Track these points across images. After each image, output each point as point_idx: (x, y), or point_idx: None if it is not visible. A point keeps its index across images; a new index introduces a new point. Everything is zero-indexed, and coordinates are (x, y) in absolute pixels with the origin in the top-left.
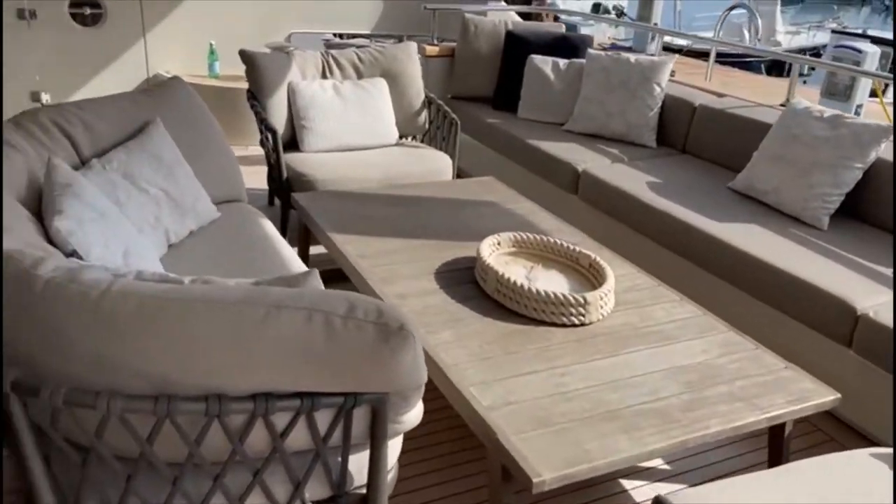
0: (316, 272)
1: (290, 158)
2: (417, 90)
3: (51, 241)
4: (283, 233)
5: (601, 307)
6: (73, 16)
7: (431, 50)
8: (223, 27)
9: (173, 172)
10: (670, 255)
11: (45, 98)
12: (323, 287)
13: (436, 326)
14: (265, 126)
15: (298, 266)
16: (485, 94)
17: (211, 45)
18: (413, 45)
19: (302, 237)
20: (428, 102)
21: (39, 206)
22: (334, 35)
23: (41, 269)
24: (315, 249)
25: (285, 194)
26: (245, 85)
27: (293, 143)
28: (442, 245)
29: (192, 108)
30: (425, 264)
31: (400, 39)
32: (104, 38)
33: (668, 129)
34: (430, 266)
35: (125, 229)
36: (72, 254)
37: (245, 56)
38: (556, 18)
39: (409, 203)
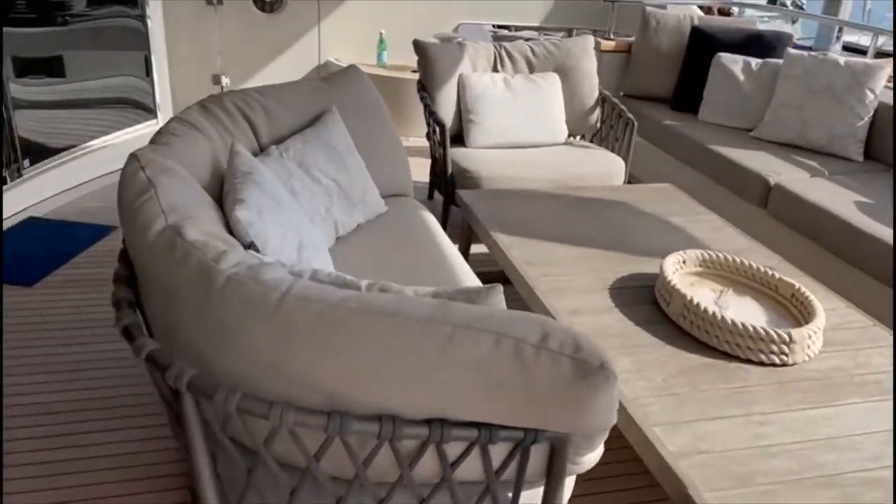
0: (499, 288)
1: (454, 153)
2: (591, 87)
3: (229, 230)
4: (444, 229)
5: (808, 346)
6: (255, 2)
7: (607, 45)
8: (394, 17)
9: (345, 163)
10: (884, 289)
11: (225, 81)
12: (505, 303)
13: (612, 351)
14: (434, 119)
15: (466, 271)
16: (662, 93)
17: (381, 34)
18: (590, 39)
19: (464, 236)
20: (601, 100)
21: (220, 192)
22: (501, 27)
23: (223, 263)
24: (476, 248)
25: (448, 190)
26: (411, 76)
27: (458, 138)
28: (616, 257)
29: (366, 97)
30: (598, 277)
31: (569, 33)
32: (282, 24)
33: (878, 141)
34: (603, 280)
35: (300, 221)
36: (250, 245)
37: (418, 46)
38: (728, 13)
39: (579, 207)
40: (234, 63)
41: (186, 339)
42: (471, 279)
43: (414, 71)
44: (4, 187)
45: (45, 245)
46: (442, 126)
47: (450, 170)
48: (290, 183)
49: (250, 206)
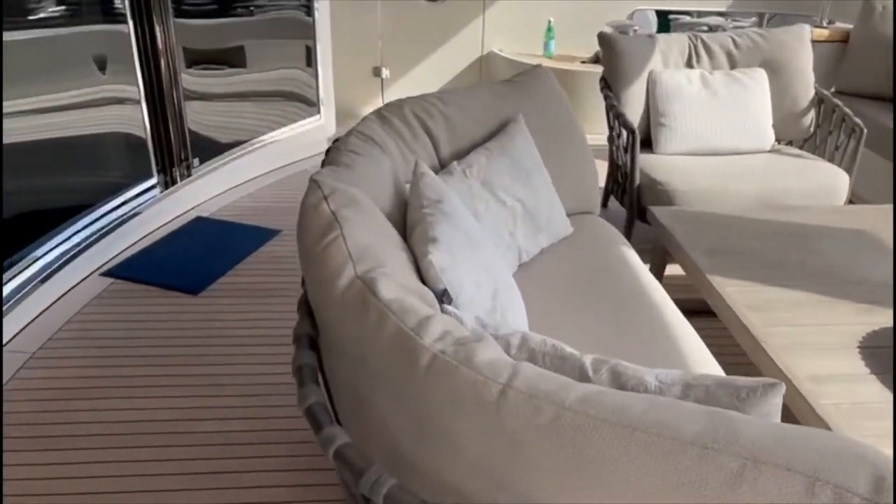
0: (781, 388)
1: (641, 160)
2: (806, 85)
3: (417, 267)
4: None
5: None
6: None
7: (819, 34)
8: (562, 4)
9: (532, 180)
10: None
11: (385, 73)
12: (780, 406)
13: (880, 437)
14: (621, 122)
15: (672, 311)
16: (884, 91)
17: (549, 22)
18: (806, 30)
19: (658, 260)
20: (818, 101)
21: (402, 217)
22: (681, 13)
23: (426, 336)
24: (668, 269)
25: (634, 203)
26: (581, 68)
27: (644, 142)
28: (861, 305)
29: (554, 103)
30: (842, 331)
31: (760, 19)
32: (445, 13)
33: None
34: (849, 335)
35: (491, 257)
36: (443, 293)
37: (604, 39)
38: None
39: (801, 234)
40: (394, 54)
41: (379, 420)
42: (684, 330)
43: (583, 62)
44: (176, 186)
45: (210, 249)
46: (632, 131)
47: (637, 180)
48: (474, 205)
49: (443, 247)
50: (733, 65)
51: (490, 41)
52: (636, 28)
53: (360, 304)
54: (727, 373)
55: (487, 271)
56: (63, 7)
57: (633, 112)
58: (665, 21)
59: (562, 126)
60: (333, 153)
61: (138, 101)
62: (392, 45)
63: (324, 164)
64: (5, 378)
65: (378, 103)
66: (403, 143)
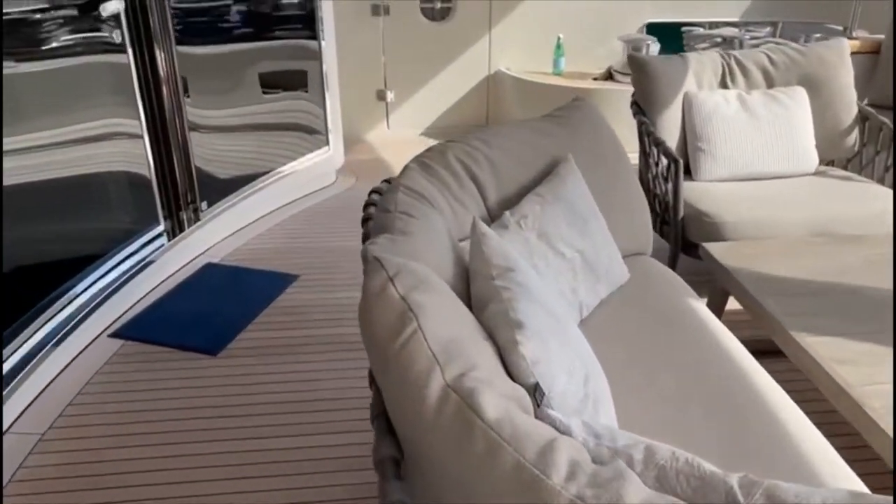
0: None
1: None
2: (849, 102)
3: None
4: None
5: None
6: (424, 10)
7: (850, 45)
8: (571, 20)
9: (588, 227)
10: None
11: (390, 97)
12: None
13: None
14: (661, 150)
15: (742, 357)
16: None
17: (558, 39)
18: (845, 44)
19: (716, 300)
20: (862, 118)
21: (463, 284)
22: (692, 25)
23: (554, 474)
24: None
25: (679, 236)
26: (593, 85)
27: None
28: None
29: (601, 136)
30: None
31: (774, 28)
32: (449, 32)
33: None
34: None
35: (576, 336)
36: (534, 389)
37: (635, 61)
38: None
39: (870, 268)
40: (399, 76)
41: None
42: (793, 415)
43: (595, 79)
44: (184, 234)
45: (224, 300)
46: (674, 161)
47: (681, 212)
48: (534, 261)
49: (531, 333)
50: (770, 83)
51: (497, 59)
52: (649, 42)
53: (462, 427)
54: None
55: (576, 353)
56: (58, 35)
57: (669, 136)
58: (677, 33)
59: (610, 160)
60: (383, 217)
61: (140, 136)
62: (396, 67)
63: (366, 225)
64: (13, 467)
65: (383, 128)
66: (451, 195)
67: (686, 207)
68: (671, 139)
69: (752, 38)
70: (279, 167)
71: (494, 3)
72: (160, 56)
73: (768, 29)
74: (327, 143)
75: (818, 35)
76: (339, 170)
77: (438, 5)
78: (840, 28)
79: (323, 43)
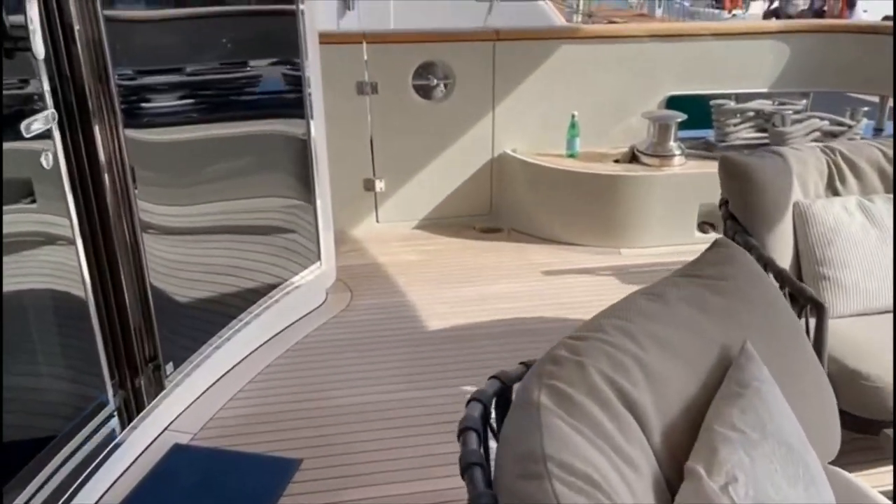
0: None
1: None
2: None
3: None
4: None
5: None
6: (416, 89)
7: None
8: (586, 94)
9: (809, 470)
10: None
11: (380, 186)
12: None
13: None
14: (788, 287)
15: None
16: None
17: (573, 117)
18: None
19: None
20: None
21: None
22: (719, 97)
23: None
24: None
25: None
26: (616, 170)
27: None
28: None
29: (766, 297)
30: None
31: (807, 98)
32: (447, 112)
33: None
34: None
35: None
36: None
37: (731, 165)
38: None
39: None
40: (389, 163)
41: None
42: None
43: (617, 161)
44: (143, 413)
45: None
46: (815, 304)
47: (825, 367)
48: None
49: None
50: (888, 186)
51: (501, 140)
52: (679, 119)
53: None
54: None
55: None
56: None
57: (779, 256)
58: (702, 107)
59: (784, 333)
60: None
61: (72, 241)
62: (386, 153)
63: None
64: None
65: (371, 221)
66: (611, 447)
67: (831, 364)
68: (782, 259)
69: (793, 111)
70: (261, 293)
71: (498, 77)
72: (102, 137)
73: (804, 101)
74: (318, 255)
75: (866, 108)
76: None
77: (434, 82)
78: (877, 98)
79: (313, 131)
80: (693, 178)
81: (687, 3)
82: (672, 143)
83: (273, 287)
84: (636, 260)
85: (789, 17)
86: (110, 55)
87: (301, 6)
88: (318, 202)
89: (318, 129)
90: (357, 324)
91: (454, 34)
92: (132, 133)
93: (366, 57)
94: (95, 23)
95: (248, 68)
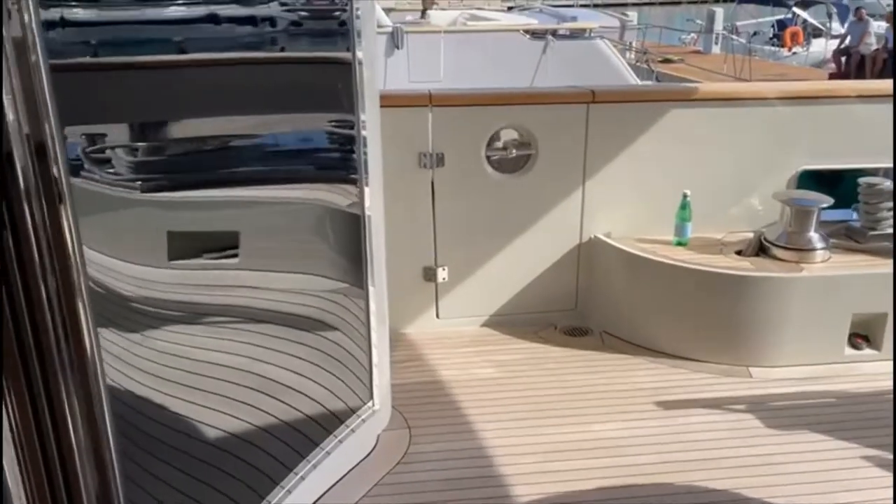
0: None
1: None
2: None
3: None
4: None
5: None
6: (491, 159)
7: None
8: (698, 169)
9: None
10: None
11: (443, 276)
12: None
13: None
14: None
15: None
16: None
17: (685, 197)
18: None
19: None
20: None
21: None
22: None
23: None
24: None
25: None
26: (739, 267)
27: None
28: None
29: None
30: None
31: None
32: (526, 188)
33: None
34: None
35: None
36: None
37: None
38: None
39: None
40: (454, 248)
41: None
42: None
43: (739, 252)
44: None
45: None
46: None
47: None
48: None
49: None
50: None
51: (592, 222)
52: (825, 205)
53: None
54: None
55: None
56: None
57: None
58: (845, 183)
59: None
60: None
61: None
62: (450, 236)
63: None
64: None
65: (430, 317)
66: None
67: None
68: None
69: None
70: (293, 455)
71: (591, 147)
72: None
73: None
74: (370, 391)
75: None
76: None
77: (514, 153)
78: None
79: (367, 196)
80: (844, 280)
81: (743, 40)
82: (813, 234)
83: (309, 445)
84: (774, 386)
85: (862, 57)
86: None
87: (359, 54)
88: (373, 305)
89: (374, 200)
90: (419, 489)
91: (539, 95)
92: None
93: (431, 122)
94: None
95: (289, 125)
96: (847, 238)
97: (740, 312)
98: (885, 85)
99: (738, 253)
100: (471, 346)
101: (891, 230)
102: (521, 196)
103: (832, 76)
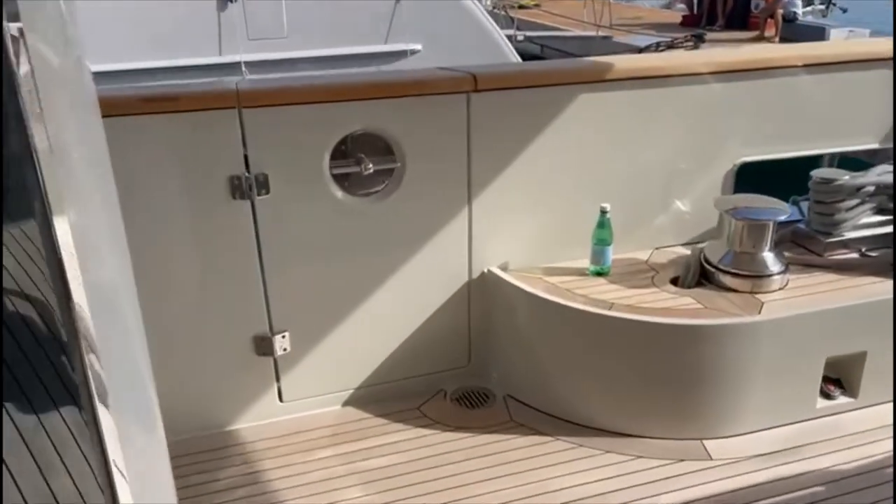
0: None
1: None
2: None
3: None
4: None
5: None
6: (339, 178)
7: None
8: (613, 174)
9: None
10: None
11: (282, 346)
12: None
13: None
14: None
15: None
16: None
17: (602, 211)
18: None
19: None
20: None
21: None
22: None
23: None
24: None
25: None
26: (680, 309)
27: None
28: None
29: None
30: None
31: None
32: (391, 212)
33: None
34: None
35: None
36: None
37: None
38: None
39: None
40: (296, 304)
41: None
42: None
43: (675, 281)
44: None
45: None
46: None
47: None
48: None
49: None
50: None
51: (484, 253)
52: (782, 218)
53: None
54: None
55: None
56: None
57: None
58: (790, 176)
59: None
60: None
61: None
62: (289, 289)
63: None
64: None
65: (271, 405)
66: None
67: None
68: None
69: None
70: None
71: (476, 151)
72: None
73: None
74: None
75: None
76: None
77: (370, 168)
78: None
79: (58, 236)
80: (813, 318)
81: None
82: (768, 254)
83: None
84: (739, 467)
85: None
86: None
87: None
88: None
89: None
90: None
91: (400, 84)
92: None
93: (244, 131)
94: None
95: None
96: (798, 247)
97: (688, 371)
98: (833, 48)
99: (675, 282)
100: (329, 447)
101: (851, 233)
102: (384, 224)
103: (686, 19)
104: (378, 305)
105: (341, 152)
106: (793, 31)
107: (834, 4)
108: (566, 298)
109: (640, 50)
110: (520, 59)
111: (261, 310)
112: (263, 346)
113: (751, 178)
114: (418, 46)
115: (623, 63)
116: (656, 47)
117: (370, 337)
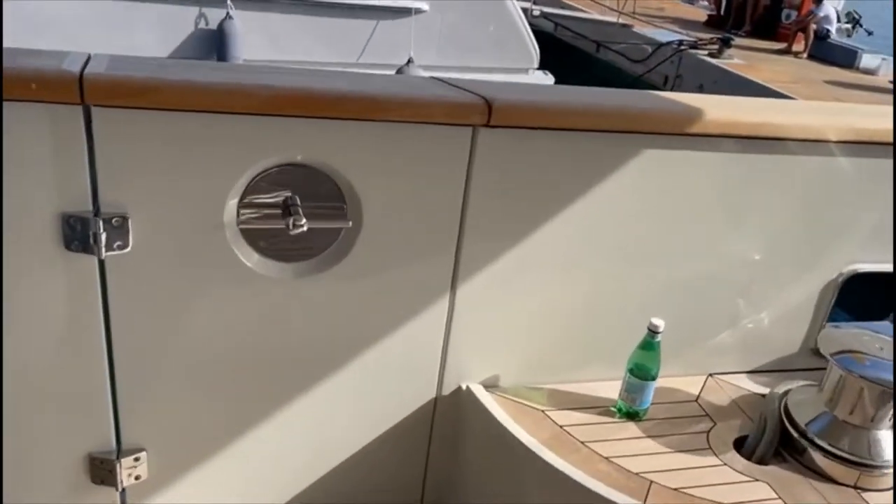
0: None
1: None
2: None
3: None
4: None
5: None
6: (251, 233)
7: None
8: (661, 266)
9: None
10: None
11: (133, 472)
12: None
13: None
14: None
15: None
16: None
17: (654, 331)
18: None
19: None
20: None
21: None
22: None
23: None
24: None
25: None
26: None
27: None
28: None
29: None
30: None
31: None
32: (333, 292)
33: None
34: None
35: None
36: None
37: None
38: None
39: None
40: (165, 419)
41: None
42: None
43: (739, 445)
44: None
45: None
46: None
47: None
48: None
49: None
50: None
51: (462, 360)
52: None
53: None
54: None
55: None
56: None
57: None
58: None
59: None
60: None
61: None
62: (152, 387)
63: None
64: None
65: None
66: None
67: None
68: None
69: None
70: None
71: (473, 208)
72: None
73: None
74: None
75: None
76: None
77: (303, 224)
78: None
79: None
80: None
81: None
82: (887, 433)
83: None
84: None
85: None
86: None
87: None
88: None
89: None
90: None
91: (375, 98)
92: None
93: (91, 146)
94: None
95: None
96: None
97: None
98: None
99: (739, 443)
100: None
101: None
102: (321, 307)
103: (711, 18)
104: (301, 420)
105: (260, 190)
106: (822, 49)
107: (861, 25)
108: (580, 466)
109: (661, 45)
110: (531, 35)
111: (102, 419)
112: (100, 472)
113: (854, 288)
114: (425, 6)
115: (714, 110)
116: (678, 45)
117: (284, 464)
